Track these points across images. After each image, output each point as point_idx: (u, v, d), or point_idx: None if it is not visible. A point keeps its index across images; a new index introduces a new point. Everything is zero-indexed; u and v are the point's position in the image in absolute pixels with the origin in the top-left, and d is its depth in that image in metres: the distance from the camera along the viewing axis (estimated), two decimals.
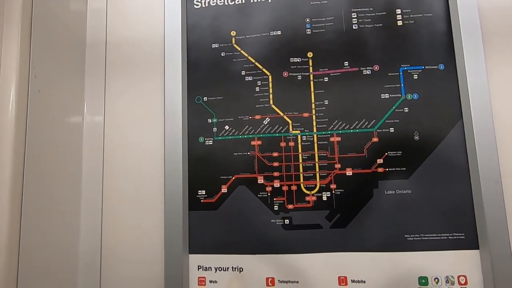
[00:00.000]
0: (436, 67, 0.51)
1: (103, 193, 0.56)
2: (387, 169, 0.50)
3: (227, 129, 0.54)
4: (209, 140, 0.54)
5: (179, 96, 0.55)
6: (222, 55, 0.56)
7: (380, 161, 0.51)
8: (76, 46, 0.58)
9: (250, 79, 0.55)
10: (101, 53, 0.59)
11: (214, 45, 0.56)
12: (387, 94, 0.52)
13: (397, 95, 0.51)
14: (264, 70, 0.55)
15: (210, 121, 0.55)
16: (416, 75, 0.52)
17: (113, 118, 0.58)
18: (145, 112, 0.57)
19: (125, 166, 0.56)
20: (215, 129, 0.54)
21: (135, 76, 0.58)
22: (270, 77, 0.54)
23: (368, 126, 0.51)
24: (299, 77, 0.54)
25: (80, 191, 0.56)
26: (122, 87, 0.58)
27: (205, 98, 0.55)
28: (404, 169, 0.50)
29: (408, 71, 0.52)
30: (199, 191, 0.53)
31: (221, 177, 0.53)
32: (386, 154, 0.51)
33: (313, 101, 0.53)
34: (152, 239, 0.54)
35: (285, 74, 0.54)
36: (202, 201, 0.53)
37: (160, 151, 0.55)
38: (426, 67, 0.51)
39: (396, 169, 0.50)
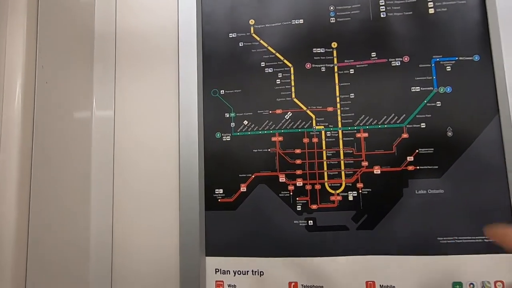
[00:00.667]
0: (470, 58, 0.48)
1: (113, 192, 0.53)
2: (418, 167, 0.47)
3: (245, 124, 0.51)
4: (226, 136, 0.51)
5: (195, 89, 0.51)
6: (240, 45, 0.52)
7: (410, 158, 0.47)
8: (84, 37, 0.54)
9: (270, 70, 0.51)
10: (111, 45, 0.56)
11: (232, 35, 0.53)
12: (418, 87, 0.48)
13: (428, 88, 0.48)
14: (285, 61, 0.51)
15: (228, 116, 0.51)
16: (449, 67, 0.48)
17: (123, 112, 0.54)
18: (158, 107, 0.54)
19: (136, 163, 0.53)
20: (233, 124, 0.51)
21: (147, 68, 0.55)
22: (291, 68, 0.51)
23: (398, 122, 0.48)
24: (323, 69, 0.50)
25: (90, 188, 0.53)
26: (133, 80, 0.55)
27: (222, 91, 0.52)
28: (436, 167, 0.47)
29: (441, 62, 0.48)
30: (216, 190, 0.50)
31: (239, 175, 0.50)
32: (417, 151, 0.47)
33: (337, 94, 0.50)
34: (167, 240, 0.51)
35: (308, 65, 0.51)
36: (219, 200, 0.50)
37: (175, 147, 0.52)
38: (460, 58, 0.48)
39: (428, 167, 0.47)
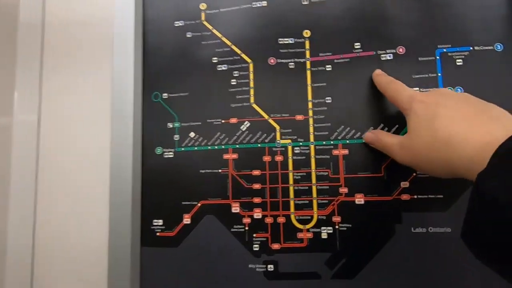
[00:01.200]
0: (490, 47, 0.35)
1: (35, 212, 0.43)
2: (415, 196, 0.35)
3: (192, 136, 0.40)
4: (169, 152, 0.40)
5: (131, 92, 0.41)
6: (188, 36, 0.41)
7: (405, 184, 0.35)
8: (5, 27, 0.45)
9: (224, 68, 0.40)
10: (37, 36, 0.46)
11: (178, 23, 0.42)
12: (417, 88, 0.36)
13: (431, 89, 0.36)
14: (243, 55, 0.40)
15: (171, 126, 0.40)
16: (460, 60, 0.36)
17: (49, 118, 0.44)
18: (89, 113, 0.43)
19: (62, 181, 0.43)
20: (177, 136, 0.40)
21: (78, 66, 0.45)
22: (251, 65, 0.39)
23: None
24: (291, 65, 0.39)
25: (8, 204, 0.43)
26: (61, 79, 0.45)
27: (164, 95, 0.41)
28: (441, 196, 0.34)
29: (449, 54, 0.36)
30: (154, 220, 0.39)
31: (183, 202, 0.39)
32: (414, 174, 0.35)
33: (310, 98, 0.38)
34: (92, 283, 0.40)
35: (272, 61, 0.39)
36: (158, 234, 0.39)
37: (105, 163, 0.41)
38: (476, 47, 0.35)
39: (429, 196, 0.35)
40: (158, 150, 0.40)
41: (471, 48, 0.35)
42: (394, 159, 0.32)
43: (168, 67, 0.41)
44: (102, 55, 0.43)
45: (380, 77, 0.35)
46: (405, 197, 0.35)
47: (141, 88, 0.42)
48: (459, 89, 0.35)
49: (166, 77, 0.41)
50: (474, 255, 0.23)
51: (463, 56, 0.35)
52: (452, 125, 0.26)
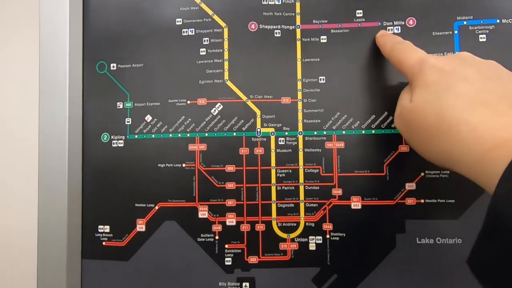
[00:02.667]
0: None
1: None
2: (422, 201, 0.29)
3: (149, 121, 0.31)
4: (118, 140, 0.31)
5: (65, 60, 0.31)
6: None
7: (410, 186, 0.29)
8: None
9: (190, 33, 0.31)
10: None
11: None
12: None
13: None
14: (215, 17, 0.31)
15: (121, 107, 0.31)
16: (483, 35, 0.29)
17: None
18: (10, 88, 0.33)
19: None
20: (128, 120, 0.31)
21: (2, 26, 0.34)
22: (225, 30, 0.31)
23: (393, 125, 0.29)
24: (277, 33, 0.31)
25: None
26: None
27: (113, 66, 0.32)
28: (452, 201, 0.29)
29: (470, 28, 0.29)
30: (99, 226, 0.31)
31: (136, 204, 0.31)
32: (422, 174, 0.29)
33: (299, 76, 0.30)
34: None
35: (253, 26, 0.31)
36: (104, 243, 0.31)
37: (33, 153, 0.32)
38: (504, 20, 0.29)
39: (438, 201, 0.29)
40: (104, 138, 0.31)
41: (498, 20, 0.29)
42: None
43: (118, 29, 0.32)
44: (27, 11, 0.33)
45: (385, 37, 0.28)
46: (410, 201, 0.29)
47: (80, 56, 0.32)
48: None
49: (114, 43, 0.32)
50: (478, 281, 0.18)
51: (487, 31, 0.29)
52: (466, 109, 0.20)
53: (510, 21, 0.29)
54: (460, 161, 0.20)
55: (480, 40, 0.29)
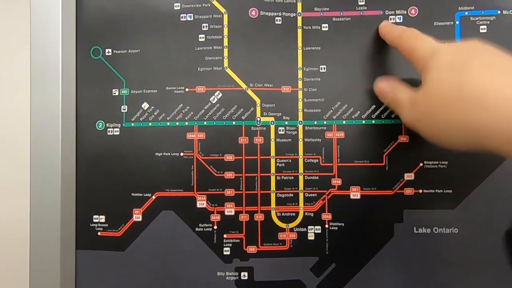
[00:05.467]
0: None
1: None
2: (420, 191, 0.29)
3: (145, 108, 0.30)
4: (114, 128, 0.30)
5: (57, 44, 0.30)
6: None
7: (409, 176, 0.29)
8: None
9: (189, 18, 0.30)
10: None
11: None
12: None
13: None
14: (215, 3, 0.30)
15: (117, 94, 0.31)
16: (484, 26, 0.29)
17: None
18: (4, 73, 0.32)
19: None
20: (124, 107, 0.30)
21: None
22: (225, 16, 0.30)
23: (393, 116, 0.29)
24: (278, 20, 0.30)
25: None
26: None
27: (108, 51, 0.31)
28: (450, 191, 0.29)
29: (471, 18, 0.29)
30: (94, 216, 0.30)
31: (133, 194, 0.30)
32: (421, 165, 0.29)
33: (300, 65, 0.30)
34: None
35: (253, 13, 0.30)
36: (99, 234, 0.30)
37: (24, 140, 0.31)
38: (504, 11, 0.29)
39: (436, 191, 0.29)
40: (100, 125, 0.30)
41: (498, 11, 0.29)
42: (400, 117, 0.26)
43: (114, 13, 0.31)
44: None
45: (390, 27, 0.28)
46: (408, 191, 0.29)
47: (74, 41, 0.31)
48: None
49: (110, 27, 0.31)
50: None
51: (488, 22, 0.29)
52: (490, 77, 0.20)
53: (511, 12, 0.29)
54: (489, 134, 0.19)
55: (481, 31, 0.29)
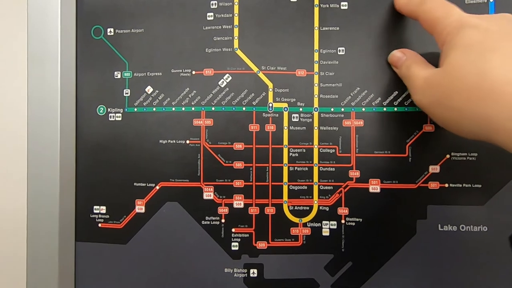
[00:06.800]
0: None
1: None
2: (446, 185, 0.27)
3: (149, 92, 0.28)
4: (116, 113, 0.28)
5: (56, 24, 0.28)
6: None
7: (434, 169, 0.27)
8: None
9: None
10: None
11: None
12: None
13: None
14: None
15: (119, 76, 0.29)
16: None
17: None
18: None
19: None
20: (127, 91, 0.28)
21: None
22: None
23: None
24: None
25: None
26: None
27: (110, 31, 0.29)
28: (479, 186, 0.26)
29: None
30: (95, 207, 0.29)
31: (135, 184, 0.28)
32: (447, 156, 0.27)
33: (316, 47, 0.28)
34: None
35: None
36: (100, 225, 0.29)
37: (21, 126, 0.29)
38: None
39: (464, 185, 0.27)
40: (100, 110, 0.29)
41: None
42: (411, 95, 0.24)
43: None
44: None
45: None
46: (433, 185, 0.27)
47: (74, 20, 0.29)
48: None
49: (113, 5, 0.29)
50: None
51: None
52: (511, 70, 0.18)
53: None
54: (500, 128, 0.18)
55: None
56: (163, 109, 0.28)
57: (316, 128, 0.27)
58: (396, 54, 0.26)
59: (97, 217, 0.29)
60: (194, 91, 0.28)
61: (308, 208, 0.27)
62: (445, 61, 0.21)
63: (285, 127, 0.27)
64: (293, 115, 0.27)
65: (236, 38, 0.28)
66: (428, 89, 0.22)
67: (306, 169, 0.27)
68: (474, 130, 0.20)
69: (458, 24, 0.21)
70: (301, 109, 0.27)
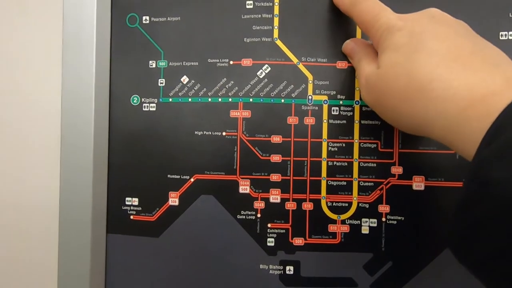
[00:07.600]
0: None
1: None
2: None
3: (185, 82, 0.28)
4: (150, 103, 0.28)
5: (92, 11, 0.27)
6: None
7: None
8: None
9: None
10: None
11: None
12: None
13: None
14: None
15: (154, 66, 0.28)
16: None
17: None
18: (32, 44, 0.30)
19: None
20: (162, 81, 0.28)
21: None
22: None
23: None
24: None
25: None
26: None
27: (145, 19, 0.28)
28: None
29: None
30: (127, 198, 0.28)
31: (169, 176, 0.27)
32: None
33: (359, 37, 0.27)
34: (38, 283, 0.29)
35: None
36: (132, 217, 0.28)
37: (55, 115, 0.29)
38: None
39: None
40: (134, 100, 0.28)
41: None
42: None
43: None
44: None
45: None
46: None
47: (109, 7, 0.28)
48: None
49: None
50: (467, 269, 0.16)
51: None
52: (438, 65, 0.18)
53: None
54: (434, 124, 0.18)
55: None
56: (199, 99, 0.27)
57: (357, 122, 0.26)
58: (349, 46, 0.25)
59: (129, 209, 0.28)
60: (232, 82, 0.27)
61: (347, 204, 0.26)
62: (379, 63, 0.21)
63: (325, 120, 0.27)
64: (333, 108, 0.27)
65: (276, 28, 0.27)
66: (369, 87, 0.22)
67: (346, 164, 0.26)
68: (413, 128, 0.20)
69: (385, 27, 0.21)
70: (341, 102, 0.27)
